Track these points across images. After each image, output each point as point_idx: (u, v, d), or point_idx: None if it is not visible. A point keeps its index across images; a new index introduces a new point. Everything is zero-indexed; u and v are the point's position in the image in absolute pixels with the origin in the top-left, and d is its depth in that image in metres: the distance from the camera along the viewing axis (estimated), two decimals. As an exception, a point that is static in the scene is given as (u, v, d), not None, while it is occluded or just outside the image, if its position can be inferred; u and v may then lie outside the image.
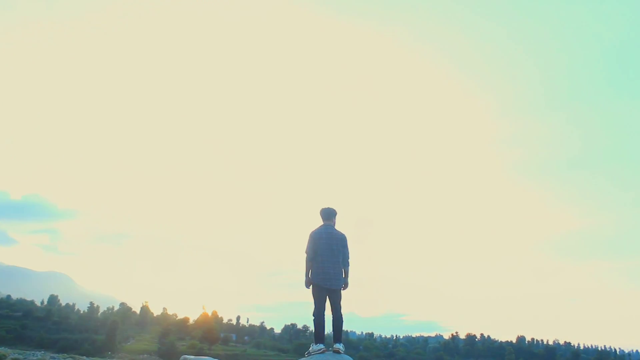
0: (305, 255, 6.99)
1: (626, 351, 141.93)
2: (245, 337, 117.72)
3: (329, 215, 7.21)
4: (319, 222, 7.28)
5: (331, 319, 6.90)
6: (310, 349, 6.74)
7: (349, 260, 7.09)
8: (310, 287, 6.95)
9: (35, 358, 53.55)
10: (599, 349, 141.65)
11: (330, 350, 6.69)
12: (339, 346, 6.69)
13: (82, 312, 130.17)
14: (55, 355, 61.37)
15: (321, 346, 6.67)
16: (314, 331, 6.92)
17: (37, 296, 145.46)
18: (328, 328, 6.99)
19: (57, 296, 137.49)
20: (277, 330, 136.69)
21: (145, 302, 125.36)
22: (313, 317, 6.86)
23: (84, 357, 64.44)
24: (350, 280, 7.12)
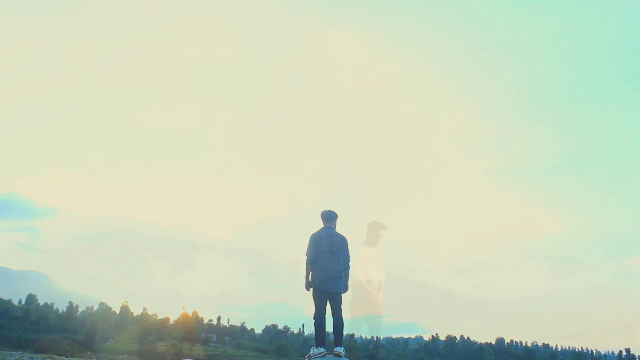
0: (305, 257, 6.95)
1: (602, 352, 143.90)
2: (226, 338, 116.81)
3: (329, 217, 7.20)
4: (314, 224, 7.27)
5: (332, 322, 6.88)
6: (311, 352, 6.72)
7: (350, 263, 7.07)
8: (311, 290, 6.93)
9: (12, 358, 52.69)
10: (576, 350, 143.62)
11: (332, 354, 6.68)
12: (340, 350, 6.68)
13: (60, 311, 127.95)
14: (34, 355, 60.19)
15: (322, 350, 6.65)
16: (314, 334, 6.90)
17: (15, 295, 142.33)
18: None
19: (35, 295, 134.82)
20: (258, 330, 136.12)
21: (125, 301, 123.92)
22: (314, 320, 6.83)
23: (63, 357, 63.48)
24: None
